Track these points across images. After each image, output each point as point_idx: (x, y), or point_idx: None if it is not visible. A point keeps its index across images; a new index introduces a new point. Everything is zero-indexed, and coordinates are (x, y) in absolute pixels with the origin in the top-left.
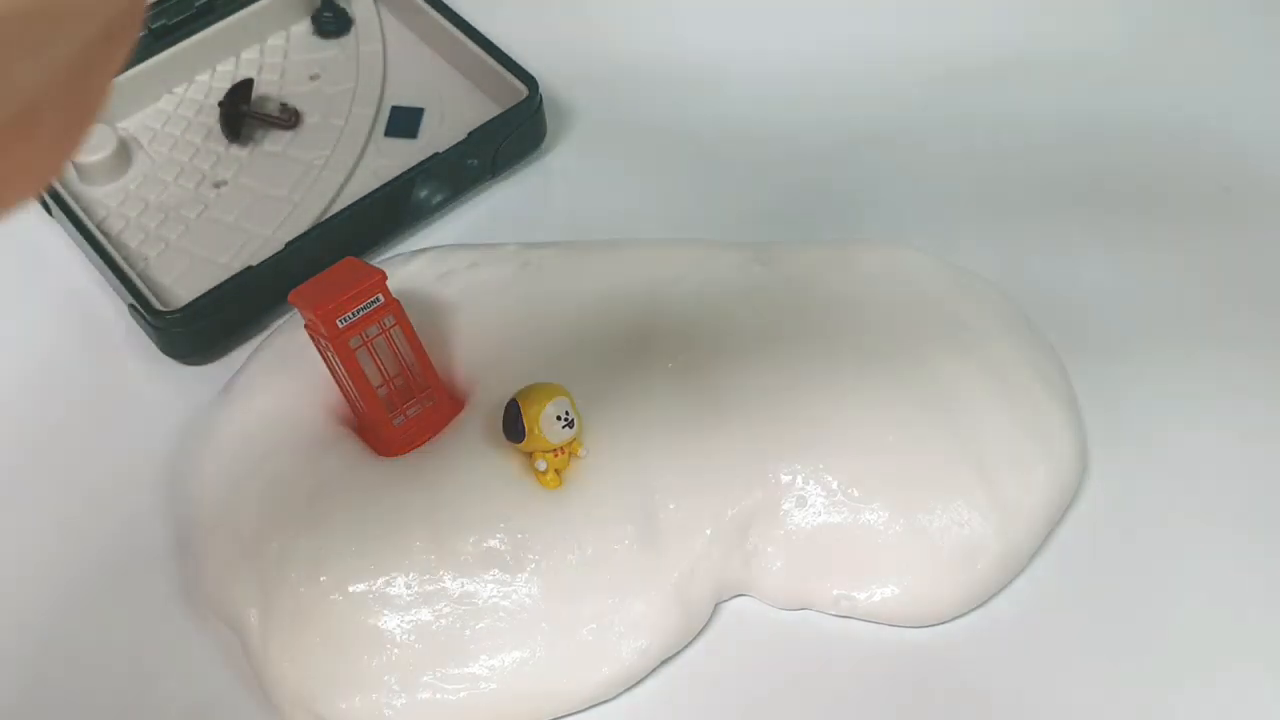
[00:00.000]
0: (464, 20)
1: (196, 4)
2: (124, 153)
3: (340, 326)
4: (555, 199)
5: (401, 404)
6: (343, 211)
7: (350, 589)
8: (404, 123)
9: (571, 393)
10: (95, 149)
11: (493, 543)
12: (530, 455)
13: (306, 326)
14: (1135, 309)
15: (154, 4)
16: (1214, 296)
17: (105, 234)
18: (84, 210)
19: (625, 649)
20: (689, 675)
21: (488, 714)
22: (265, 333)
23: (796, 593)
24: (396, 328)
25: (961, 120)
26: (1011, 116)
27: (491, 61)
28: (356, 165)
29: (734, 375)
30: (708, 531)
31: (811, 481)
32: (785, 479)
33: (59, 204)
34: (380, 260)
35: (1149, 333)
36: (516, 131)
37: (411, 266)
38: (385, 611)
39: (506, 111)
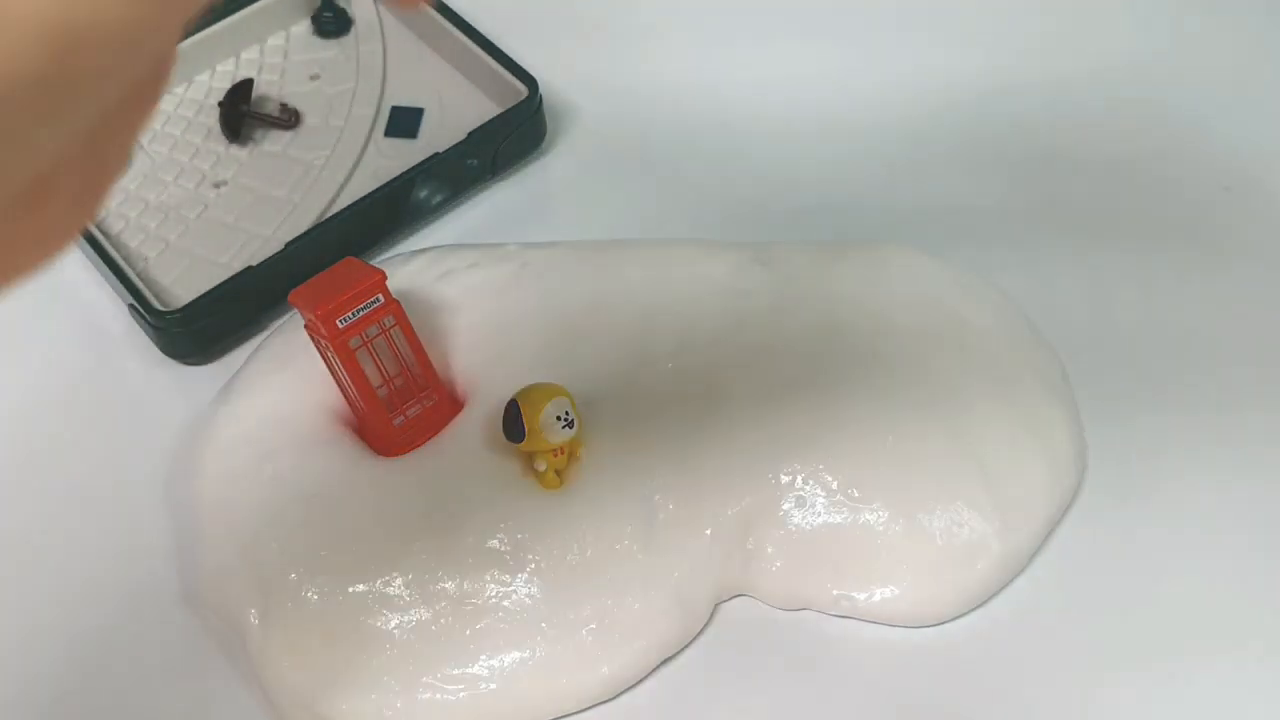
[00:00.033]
0: (464, 20)
1: None
2: None
3: (340, 327)
4: (555, 199)
5: (401, 404)
6: (343, 211)
7: (350, 589)
8: (404, 123)
9: (571, 393)
10: None
11: (493, 543)
12: (530, 455)
13: (306, 327)
14: (1135, 309)
15: None
16: (1214, 297)
17: (105, 234)
18: None
19: (625, 649)
20: (689, 675)
21: (488, 714)
22: (265, 333)
23: (796, 593)
24: (396, 328)
25: (961, 120)
26: (1011, 117)
27: (491, 61)
28: (356, 165)
29: (733, 375)
30: (708, 531)
31: (811, 481)
32: (785, 479)
33: None
34: (380, 260)
35: (1148, 333)
36: (516, 131)
37: (411, 266)
38: (385, 612)
39: (506, 111)
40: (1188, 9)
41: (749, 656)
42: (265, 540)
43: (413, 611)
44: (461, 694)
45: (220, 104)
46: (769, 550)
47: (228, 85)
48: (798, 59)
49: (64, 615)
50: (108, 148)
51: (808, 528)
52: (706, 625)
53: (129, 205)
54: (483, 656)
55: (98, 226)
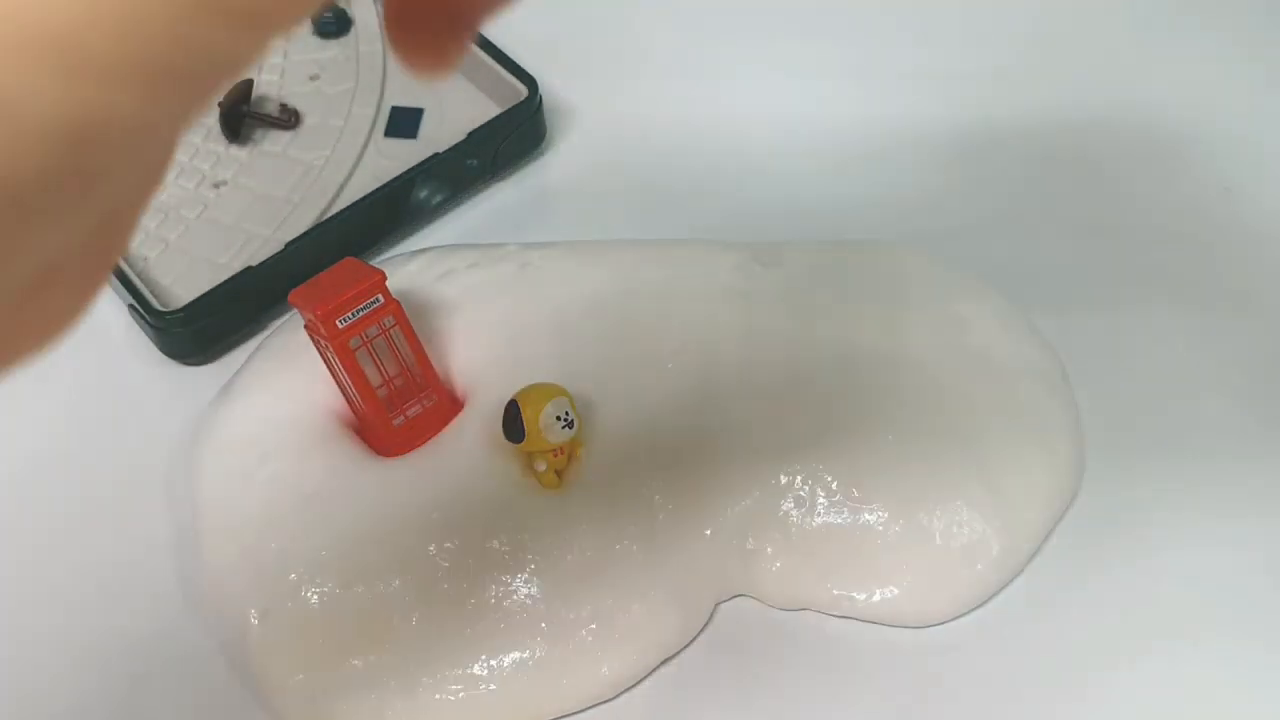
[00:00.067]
0: None
1: None
2: None
3: (340, 327)
4: (555, 199)
5: (401, 404)
6: (343, 211)
7: (350, 589)
8: (404, 123)
9: (571, 393)
10: None
11: (492, 543)
12: (530, 455)
13: (306, 327)
14: (1135, 309)
15: None
16: (1214, 297)
17: None
18: None
19: (625, 649)
20: (689, 675)
21: (488, 714)
22: (265, 333)
23: (796, 593)
24: (396, 328)
25: (962, 120)
26: (1012, 116)
27: (491, 61)
28: (356, 165)
29: (733, 375)
30: (708, 531)
31: (811, 481)
32: (785, 479)
33: None
34: (380, 260)
35: (1148, 333)
36: (516, 131)
37: (411, 266)
38: (385, 612)
39: (506, 111)
40: (1188, 9)
41: (749, 656)
42: (265, 540)
43: (412, 612)
44: (461, 694)
45: (220, 104)
46: (769, 550)
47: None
48: (798, 59)
49: (63, 615)
50: (113, 234)
51: (808, 528)
52: (706, 625)
53: None
54: (483, 656)
55: None
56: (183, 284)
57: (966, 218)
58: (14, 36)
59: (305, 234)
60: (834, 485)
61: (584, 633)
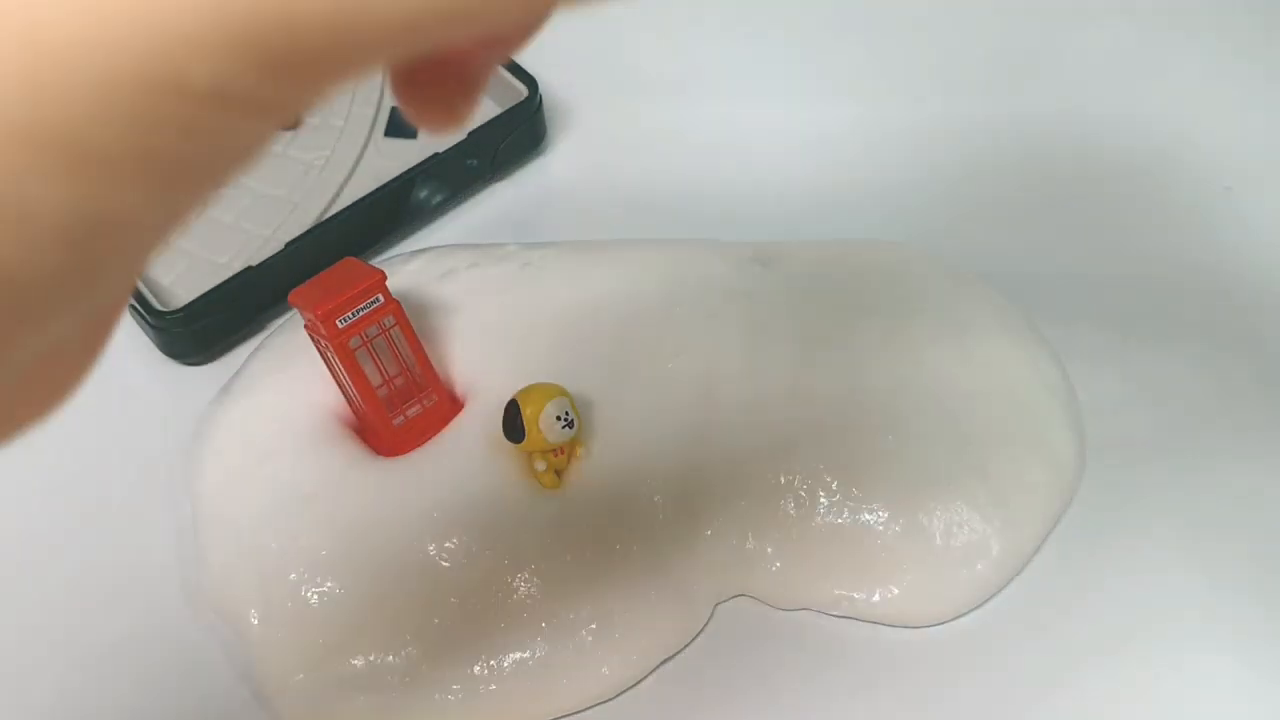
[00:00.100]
0: None
1: None
2: None
3: (340, 327)
4: (555, 199)
5: (401, 404)
6: (343, 211)
7: (350, 589)
8: (404, 123)
9: (571, 393)
10: None
11: (492, 543)
12: (530, 455)
13: (306, 327)
14: (1135, 310)
15: None
16: (1214, 296)
17: None
18: None
19: (625, 649)
20: (689, 675)
21: (488, 714)
22: (265, 333)
23: (796, 593)
24: (396, 328)
25: (962, 120)
26: (1012, 117)
27: None
28: (356, 165)
29: (734, 375)
30: (708, 532)
31: (811, 481)
32: (785, 479)
33: None
34: (380, 260)
35: (1148, 333)
36: (516, 131)
37: (411, 266)
38: (385, 612)
39: (506, 111)
40: (1189, 9)
41: (749, 656)
42: (265, 540)
43: (412, 612)
44: (461, 694)
45: None
46: (769, 550)
47: None
48: (798, 59)
49: (64, 615)
50: (110, 313)
51: (808, 528)
52: (706, 625)
53: None
54: (483, 656)
55: None
56: (183, 284)
57: (967, 218)
58: (23, 133)
59: (305, 234)
60: (834, 485)
61: (584, 633)
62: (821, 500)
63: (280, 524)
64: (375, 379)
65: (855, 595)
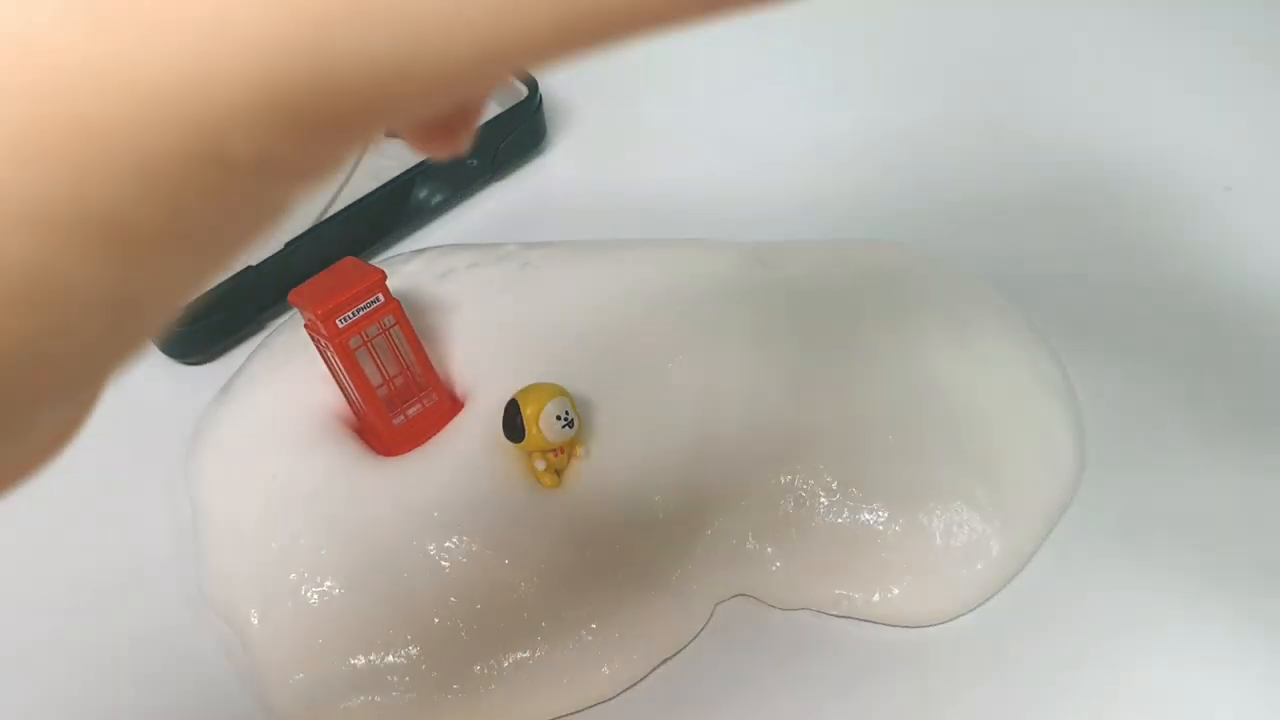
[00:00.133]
0: None
1: None
2: None
3: (340, 326)
4: (555, 199)
5: (401, 404)
6: (343, 211)
7: (350, 589)
8: None
9: (571, 393)
10: None
11: (492, 542)
12: (530, 455)
13: (306, 326)
14: (1134, 309)
15: None
16: (1215, 296)
17: None
18: None
19: (625, 649)
20: (689, 675)
21: (488, 714)
22: (265, 333)
23: (796, 593)
24: (396, 328)
25: (962, 121)
26: (1012, 117)
27: None
28: (356, 165)
29: (734, 375)
30: (708, 531)
31: (811, 481)
32: (785, 479)
33: None
34: (380, 260)
35: (1148, 332)
36: (516, 131)
37: (411, 266)
38: (385, 612)
39: (506, 111)
40: (1189, 9)
41: (749, 656)
42: (265, 540)
43: (413, 611)
44: (461, 693)
45: None
46: (769, 550)
47: None
48: (799, 60)
49: (64, 615)
50: (123, 365)
51: (808, 528)
52: (706, 625)
53: None
54: (482, 656)
55: None
56: None
57: (967, 218)
58: (65, 215)
59: (305, 234)
60: (834, 485)
61: (584, 633)
62: (821, 500)
63: (280, 524)
64: (375, 379)
65: (855, 595)
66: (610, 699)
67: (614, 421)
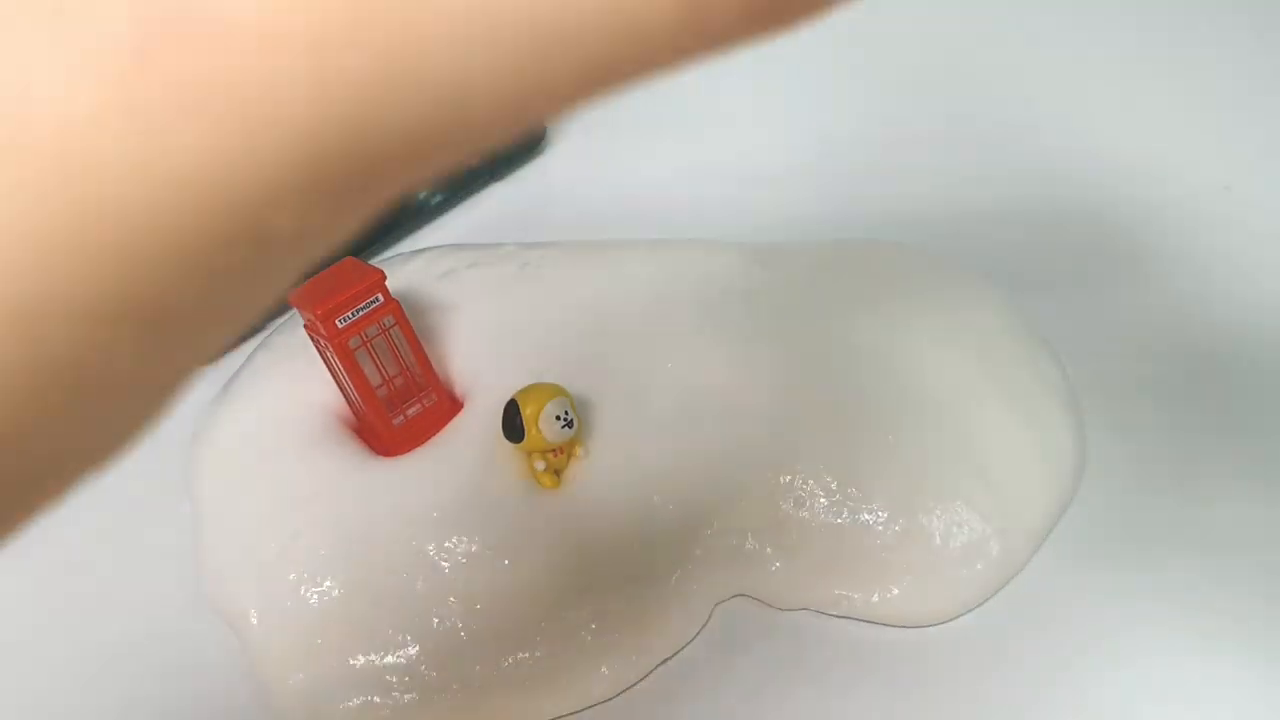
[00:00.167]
0: None
1: None
2: None
3: (339, 327)
4: (555, 199)
5: (401, 404)
6: None
7: (350, 589)
8: None
9: (571, 393)
10: None
11: (492, 543)
12: (529, 455)
13: (306, 327)
14: (1135, 309)
15: None
16: (1214, 296)
17: None
18: None
19: (625, 649)
20: (689, 675)
21: (487, 714)
22: (265, 333)
23: (796, 593)
24: (396, 328)
25: (962, 121)
26: (1011, 117)
27: None
28: None
29: (733, 375)
30: (707, 532)
31: (811, 481)
32: (785, 479)
33: None
34: (380, 260)
35: (1148, 333)
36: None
37: (411, 266)
38: (384, 612)
39: None
40: (1189, 8)
41: (749, 656)
42: (265, 540)
43: (412, 611)
44: (461, 694)
45: None
46: (769, 550)
47: None
48: (798, 59)
49: (63, 615)
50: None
51: (807, 528)
52: (706, 625)
53: None
54: (483, 656)
55: None
56: None
57: (967, 218)
58: (110, 308)
59: None
60: (834, 485)
61: (584, 633)
62: (821, 500)
63: (280, 524)
64: (375, 379)
65: (855, 595)
66: (610, 699)
67: (614, 421)
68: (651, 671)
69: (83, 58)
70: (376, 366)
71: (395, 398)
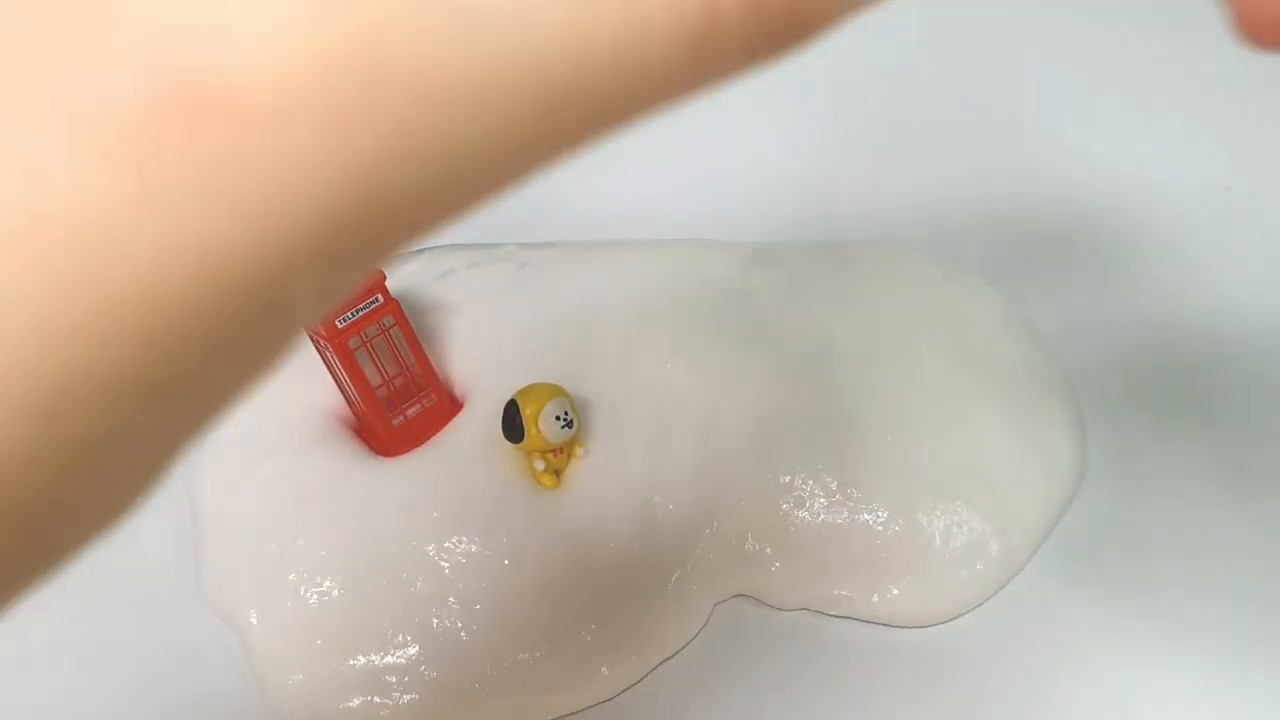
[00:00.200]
0: None
1: None
2: None
3: (339, 327)
4: (555, 199)
5: (401, 404)
6: None
7: (350, 589)
8: None
9: (570, 393)
10: None
11: (492, 543)
12: (529, 455)
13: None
14: (1135, 310)
15: None
16: (1215, 296)
17: None
18: None
19: (625, 649)
20: (689, 675)
21: (487, 714)
22: None
23: (796, 593)
24: (396, 328)
25: (961, 122)
26: (1012, 118)
27: None
28: None
29: (733, 375)
30: (707, 532)
31: (811, 481)
32: (785, 479)
33: None
34: None
35: (1148, 334)
36: None
37: (411, 266)
38: (385, 612)
39: None
40: (1188, 8)
41: (748, 656)
42: (265, 540)
43: (412, 612)
44: (461, 694)
45: None
46: (769, 550)
47: None
48: (798, 61)
49: (63, 616)
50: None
51: (807, 528)
52: (706, 625)
53: None
54: (483, 656)
55: None
56: None
57: (967, 218)
58: (129, 382)
59: None
60: (834, 485)
61: (583, 633)
62: (821, 500)
63: (280, 524)
64: (375, 379)
65: (854, 595)
66: (610, 699)
67: (613, 421)
68: (651, 671)
69: (98, 143)
70: (376, 367)
71: (395, 398)
